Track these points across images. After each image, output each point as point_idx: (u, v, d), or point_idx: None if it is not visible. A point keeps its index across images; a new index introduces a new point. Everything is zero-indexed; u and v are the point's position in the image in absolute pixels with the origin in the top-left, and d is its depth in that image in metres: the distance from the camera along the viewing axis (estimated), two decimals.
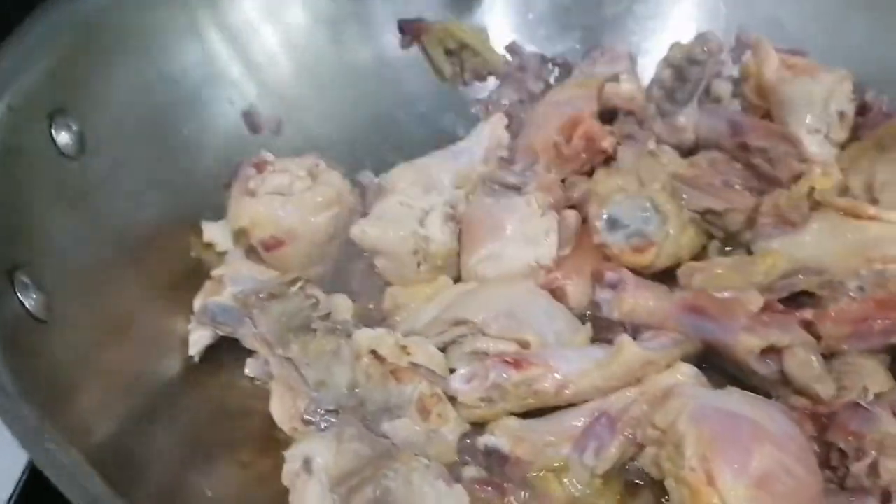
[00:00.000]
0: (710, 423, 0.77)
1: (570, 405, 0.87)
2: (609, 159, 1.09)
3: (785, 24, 1.22)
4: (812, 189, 0.96)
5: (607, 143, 1.08)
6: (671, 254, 0.98)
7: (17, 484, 0.93)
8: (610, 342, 0.89)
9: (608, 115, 1.15)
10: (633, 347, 0.87)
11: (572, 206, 1.04)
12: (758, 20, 1.23)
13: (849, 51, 1.17)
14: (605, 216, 0.99)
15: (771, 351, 0.85)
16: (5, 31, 0.91)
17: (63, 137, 0.91)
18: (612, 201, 0.99)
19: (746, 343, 0.85)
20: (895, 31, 1.16)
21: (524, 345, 0.91)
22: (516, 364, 0.86)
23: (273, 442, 0.89)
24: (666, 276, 0.98)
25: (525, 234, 0.99)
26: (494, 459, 0.85)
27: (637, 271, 0.96)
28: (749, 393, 0.84)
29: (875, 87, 1.14)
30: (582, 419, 0.85)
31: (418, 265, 1.01)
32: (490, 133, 1.13)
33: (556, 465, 0.84)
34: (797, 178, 1.02)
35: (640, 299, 0.92)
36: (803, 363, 0.84)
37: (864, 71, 1.13)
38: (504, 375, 0.86)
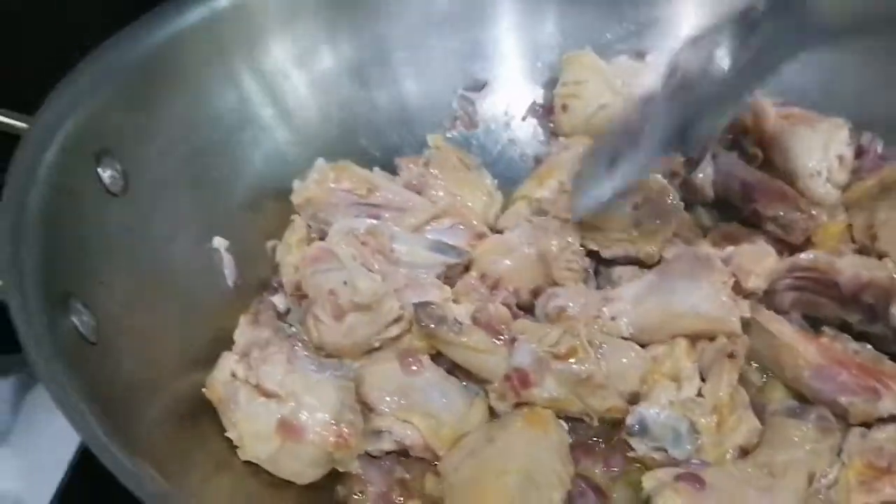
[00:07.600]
0: None
1: None
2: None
3: (783, 74, 1.27)
4: None
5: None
6: None
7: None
8: None
9: None
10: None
11: None
12: None
13: (843, 99, 1.20)
14: (639, 414, 0.90)
15: None
16: (60, 75, 0.95)
17: (108, 177, 0.94)
18: (655, 401, 0.91)
19: None
20: (885, 80, 1.19)
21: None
22: None
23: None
24: None
25: None
26: None
27: None
28: None
29: (868, 133, 1.18)
30: None
31: None
32: None
33: None
34: (809, 238, 1.07)
35: None
36: None
37: (857, 118, 1.17)
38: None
